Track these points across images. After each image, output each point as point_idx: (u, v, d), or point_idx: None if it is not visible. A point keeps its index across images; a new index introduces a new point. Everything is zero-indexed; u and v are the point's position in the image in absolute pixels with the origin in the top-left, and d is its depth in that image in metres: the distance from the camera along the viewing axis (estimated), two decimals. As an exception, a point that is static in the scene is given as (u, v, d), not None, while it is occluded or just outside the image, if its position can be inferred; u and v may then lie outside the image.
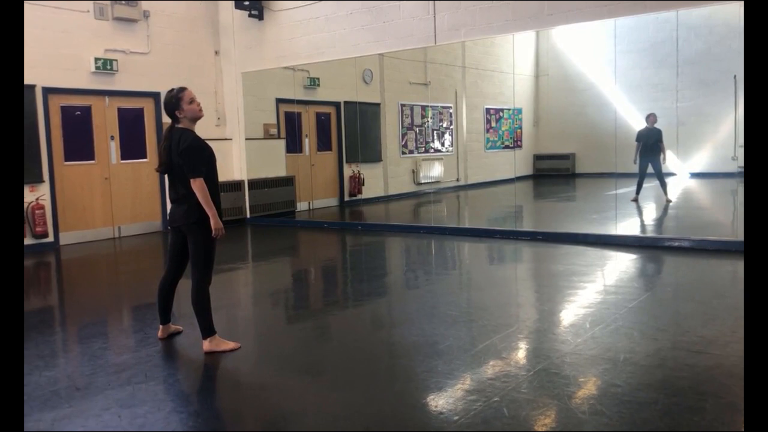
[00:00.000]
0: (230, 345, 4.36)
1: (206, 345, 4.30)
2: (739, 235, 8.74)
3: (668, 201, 12.00)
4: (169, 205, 4.70)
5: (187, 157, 4.21)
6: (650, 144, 12.05)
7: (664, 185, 12.07)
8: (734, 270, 6.82)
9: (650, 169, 11.86)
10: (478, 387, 3.55)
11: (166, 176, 4.49)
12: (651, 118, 12.48)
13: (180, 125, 4.38)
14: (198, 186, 4.21)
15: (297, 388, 3.72)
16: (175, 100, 4.37)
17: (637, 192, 12.06)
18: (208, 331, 4.32)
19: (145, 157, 10.64)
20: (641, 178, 12.05)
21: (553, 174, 19.18)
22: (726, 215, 11.33)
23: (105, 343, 4.70)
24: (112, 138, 10.17)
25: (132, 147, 10.44)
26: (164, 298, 4.61)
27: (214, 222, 4.30)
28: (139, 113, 10.53)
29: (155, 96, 10.63)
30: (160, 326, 4.67)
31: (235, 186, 11.49)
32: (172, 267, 4.57)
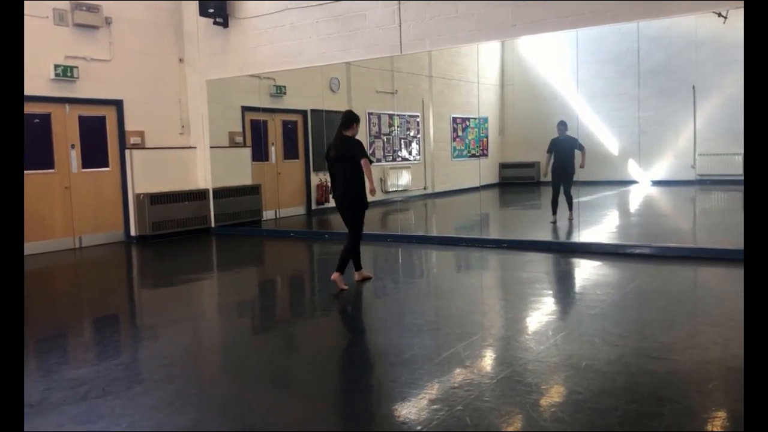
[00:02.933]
0: (370, 274, 6.80)
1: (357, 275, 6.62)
2: (699, 242, 8.95)
3: (570, 219, 10.48)
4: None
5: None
6: (564, 157, 10.46)
7: (570, 203, 10.59)
8: (694, 276, 6.97)
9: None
10: (442, 396, 3.54)
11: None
12: (561, 126, 10.69)
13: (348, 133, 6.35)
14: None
15: (262, 401, 3.67)
16: (355, 119, 6.41)
17: (554, 212, 10.62)
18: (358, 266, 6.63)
19: (107, 165, 10.45)
20: (555, 195, 10.62)
21: (519, 182, 19.40)
22: (686, 222, 11.58)
23: (62, 357, 4.58)
24: (73, 146, 9.96)
25: (94, 155, 10.24)
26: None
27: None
28: (100, 121, 10.34)
29: (118, 103, 10.46)
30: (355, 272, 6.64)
31: (200, 195, 11.35)
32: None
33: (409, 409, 3.42)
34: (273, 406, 3.56)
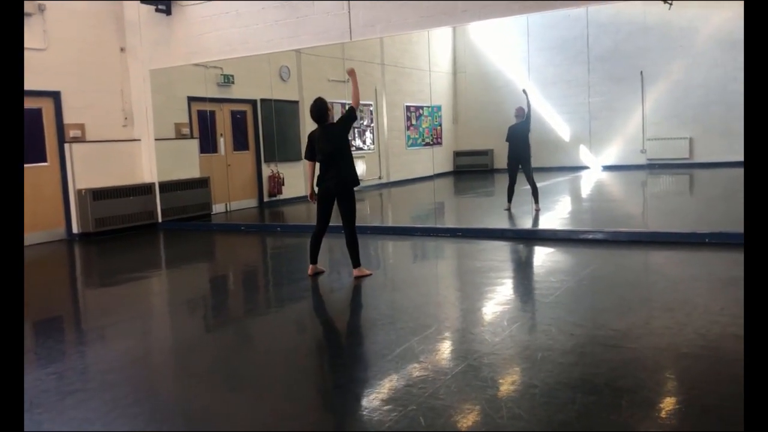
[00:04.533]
0: (369, 271, 6.40)
1: (355, 272, 6.26)
2: (650, 226, 9.03)
3: (537, 210, 10.09)
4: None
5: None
6: (520, 143, 10.25)
7: (535, 192, 10.23)
8: (645, 260, 7.00)
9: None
10: (394, 395, 3.40)
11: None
12: (518, 111, 10.50)
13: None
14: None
15: (205, 405, 3.46)
16: (326, 106, 6.27)
17: (509, 200, 10.53)
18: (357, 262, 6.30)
19: (46, 160, 9.96)
20: (511, 183, 10.45)
21: (473, 170, 19.43)
22: (637, 207, 11.72)
23: (-11, 366, 4.26)
24: (7, 141, 9.44)
25: (30, 150, 9.71)
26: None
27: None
28: (36, 114, 9.83)
29: (55, 95, 9.96)
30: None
31: (145, 189, 10.93)
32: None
33: (361, 411, 3.27)
34: (216, 411, 3.36)
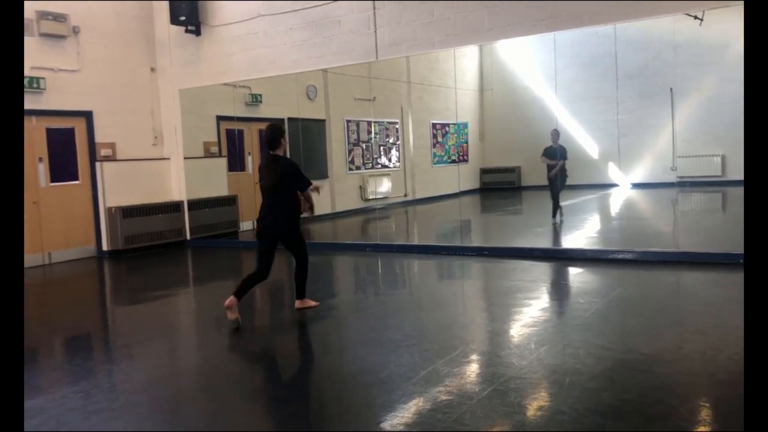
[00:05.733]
0: (314, 303, 5.94)
1: (297, 304, 5.88)
2: (681, 246, 8.85)
3: (554, 222, 10.94)
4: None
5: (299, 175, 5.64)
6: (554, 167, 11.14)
7: (555, 207, 11.10)
8: (676, 281, 6.85)
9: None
10: (418, 420, 3.34)
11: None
12: (553, 133, 11.45)
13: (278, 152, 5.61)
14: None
15: (228, 426, 3.45)
16: (280, 132, 5.66)
17: (554, 214, 11.19)
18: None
19: (77, 179, 10.15)
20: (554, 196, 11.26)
21: (500, 187, 19.29)
22: (667, 226, 11.51)
23: (17, 384, 4.30)
24: (41, 160, 9.65)
25: (63, 169, 9.93)
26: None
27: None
28: (69, 133, 10.04)
29: (87, 115, 10.17)
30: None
31: (174, 207, 11.06)
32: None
33: (384, 435, 3.22)
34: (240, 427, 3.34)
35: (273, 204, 5.62)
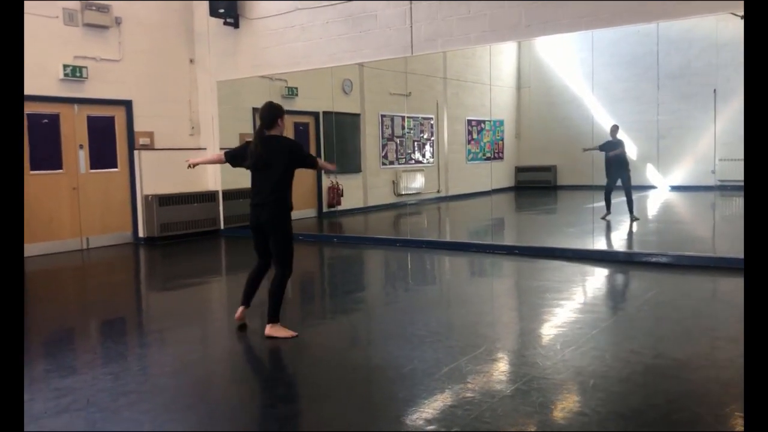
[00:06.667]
0: (289, 333, 4.87)
1: (268, 329, 4.88)
2: (718, 251, 8.64)
3: (634, 219, 11.09)
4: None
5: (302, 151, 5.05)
6: (615, 157, 11.32)
7: (630, 202, 11.19)
8: (712, 287, 6.70)
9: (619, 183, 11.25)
10: (439, 416, 3.35)
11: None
12: (613, 129, 11.69)
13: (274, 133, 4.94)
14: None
15: (253, 414, 3.50)
16: (280, 112, 4.99)
17: (608, 208, 11.37)
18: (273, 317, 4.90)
19: (116, 166, 10.38)
20: (608, 193, 11.41)
21: (535, 186, 19.10)
22: (705, 230, 11.25)
23: (51, 364, 4.42)
24: (81, 147, 9.89)
25: (102, 156, 10.17)
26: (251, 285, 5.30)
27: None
28: (109, 122, 10.27)
29: (127, 104, 10.38)
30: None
31: (209, 197, 11.23)
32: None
33: (403, 430, 3.23)
34: (264, 420, 3.39)
35: (262, 189, 4.91)
